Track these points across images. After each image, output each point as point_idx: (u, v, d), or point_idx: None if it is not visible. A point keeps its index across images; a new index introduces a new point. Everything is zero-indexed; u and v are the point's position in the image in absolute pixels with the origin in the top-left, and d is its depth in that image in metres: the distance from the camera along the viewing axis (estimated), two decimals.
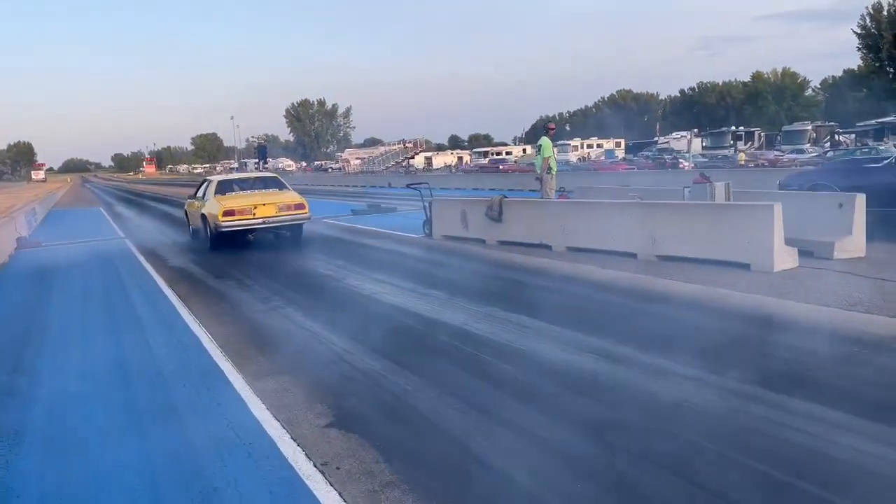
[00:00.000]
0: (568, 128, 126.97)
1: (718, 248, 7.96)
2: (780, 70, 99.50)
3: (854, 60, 62.05)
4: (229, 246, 12.69)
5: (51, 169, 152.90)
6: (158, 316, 7.58)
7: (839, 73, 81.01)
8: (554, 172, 12.99)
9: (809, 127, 46.68)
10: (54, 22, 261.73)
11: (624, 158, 53.29)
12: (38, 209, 24.58)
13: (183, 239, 15.47)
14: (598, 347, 5.35)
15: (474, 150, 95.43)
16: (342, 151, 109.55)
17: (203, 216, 13.10)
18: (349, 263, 10.49)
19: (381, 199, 22.81)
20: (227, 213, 12.30)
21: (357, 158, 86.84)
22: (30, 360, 6.10)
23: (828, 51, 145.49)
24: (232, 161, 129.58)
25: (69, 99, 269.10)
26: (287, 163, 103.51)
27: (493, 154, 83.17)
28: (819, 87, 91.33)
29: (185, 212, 15.45)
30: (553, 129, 13.39)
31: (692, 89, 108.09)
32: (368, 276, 9.32)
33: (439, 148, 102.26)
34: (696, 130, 41.83)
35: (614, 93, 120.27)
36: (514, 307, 6.83)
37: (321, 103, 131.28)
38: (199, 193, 14.16)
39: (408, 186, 13.90)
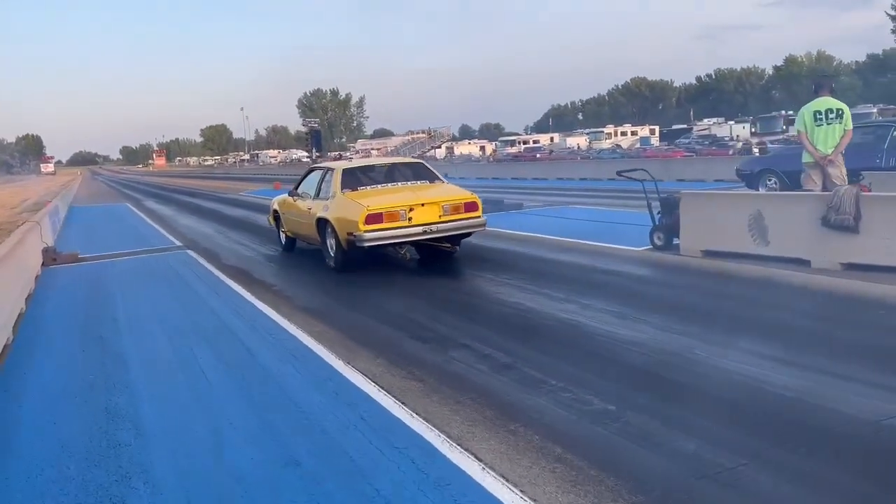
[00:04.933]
0: (580, 117, 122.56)
1: None
2: (814, 53, 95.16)
3: (876, 45, 58.51)
4: (362, 266, 8.51)
5: (59, 162, 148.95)
6: None
7: (862, 58, 79.62)
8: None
9: (874, 110, 42.49)
10: (63, 13, 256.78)
11: (676, 144, 49.32)
12: (61, 206, 20.31)
13: (271, 251, 11.18)
14: None
15: (500, 138, 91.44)
16: (353, 142, 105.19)
17: (324, 222, 8.76)
18: (629, 308, 5.99)
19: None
20: (372, 219, 7.99)
21: (374, 149, 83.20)
22: None
23: (839, 36, 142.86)
24: (241, 153, 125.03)
25: (78, 91, 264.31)
26: (301, 154, 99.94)
27: (520, 143, 79.70)
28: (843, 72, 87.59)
29: (275, 213, 11.08)
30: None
31: (709, 76, 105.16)
32: (724, 350, 4.94)
33: (452, 138, 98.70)
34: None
35: (628, 81, 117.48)
36: None
37: (334, 93, 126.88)
38: (307, 188, 9.81)
39: (619, 175, 9.65)
